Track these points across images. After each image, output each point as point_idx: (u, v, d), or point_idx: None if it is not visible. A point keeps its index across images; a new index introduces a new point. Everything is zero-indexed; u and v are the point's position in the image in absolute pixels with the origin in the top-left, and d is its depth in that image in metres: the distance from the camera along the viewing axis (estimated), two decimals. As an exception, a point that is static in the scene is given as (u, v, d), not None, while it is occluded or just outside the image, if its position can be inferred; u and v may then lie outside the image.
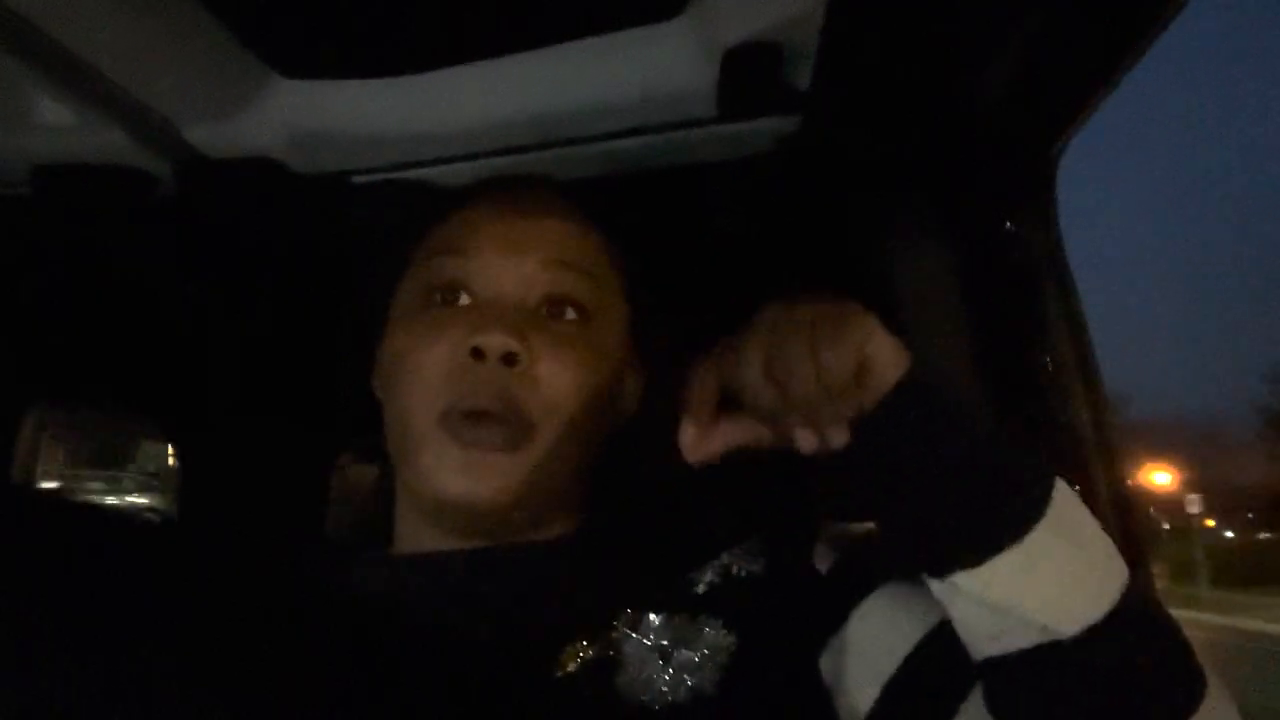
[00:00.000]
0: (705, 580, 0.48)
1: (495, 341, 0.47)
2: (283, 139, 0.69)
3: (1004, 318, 0.68)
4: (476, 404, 0.47)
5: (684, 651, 0.43)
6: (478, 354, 0.47)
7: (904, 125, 0.67)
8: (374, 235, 0.82)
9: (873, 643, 0.44)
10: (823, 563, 0.48)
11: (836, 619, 0.45)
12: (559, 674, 0.43)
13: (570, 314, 0.52)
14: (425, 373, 0.49)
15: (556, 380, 0.49)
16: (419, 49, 0.61)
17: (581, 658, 0.44)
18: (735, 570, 0.48)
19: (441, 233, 0.55)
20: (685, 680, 0.42)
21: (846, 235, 0.82)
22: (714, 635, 0.44)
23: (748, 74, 0.60)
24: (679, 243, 0.74)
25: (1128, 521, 0.63)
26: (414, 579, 0.50)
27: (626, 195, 0.70)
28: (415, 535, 0.52)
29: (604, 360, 0.52)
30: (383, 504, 0.57)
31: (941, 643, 0.42)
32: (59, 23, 0.54)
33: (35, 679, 0.40)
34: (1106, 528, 0.41)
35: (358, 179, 0.75)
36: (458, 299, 0.51)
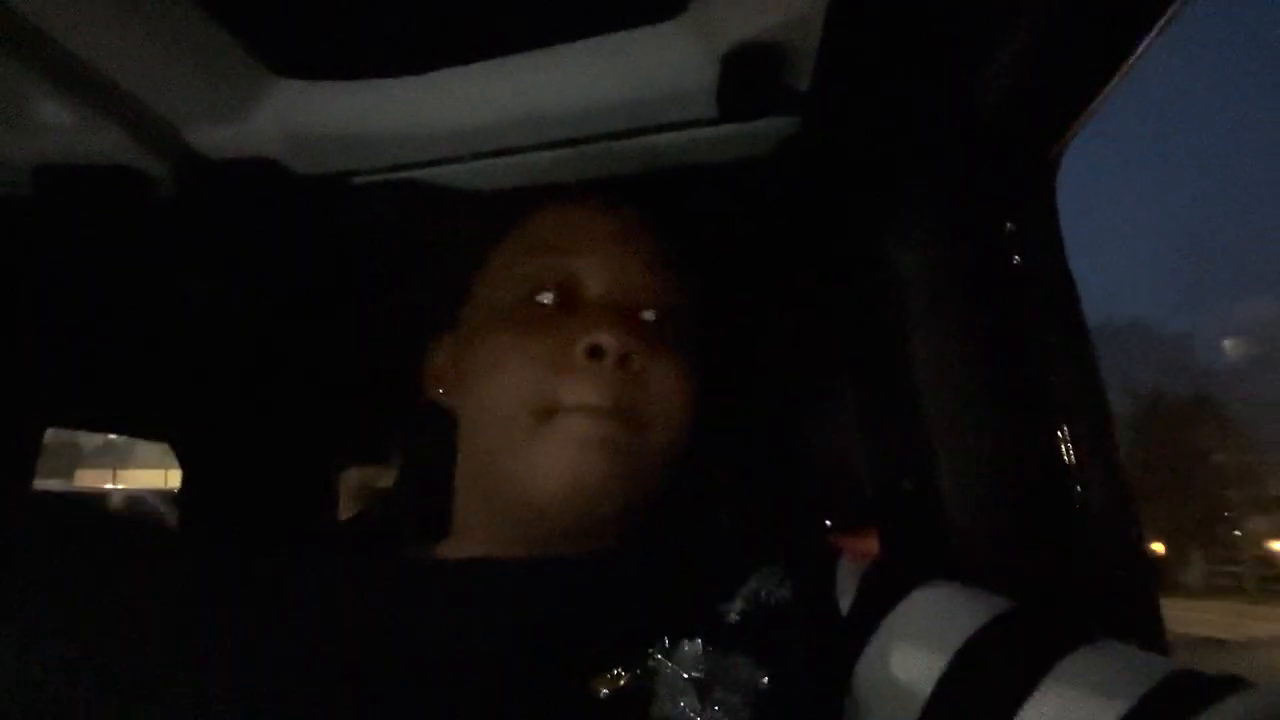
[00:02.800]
0: (736, 608, 0.47)
1: (615, 341, 0.46)
2: (282, 140, 0.69)
3: (1004, 319, 0.67)
4: (600, 401, 0.46)
5: (718, 686, 0.43)
6: (595, 353, 0.46)
7: (904, 126, 0.67)
8: (375, 236, 0.82)
9: (902, 664, 0.43)
10: (846, 587, 0.48)
11: (862, 646, 0.44)
12: (592, 699, 0.42)
13: (668, 322, 0.52)
14: (533, 368, 0.48)
15: (667, 385, 0.49)
16: (419, 49, 0.60)
17: (616, 685, 0.43)
18: (765, 597, 0.47)
19: (533, 232, 0.54)
20: (720, 717, 0.42)
21: (847, 236, 0.82)
22: (747, 670, 0.43)
23: (748, 75, 0.60)
24: (678, 244, 0.74)
25: (1129, 525, 0.63)
26: (452, 586, 0.49)
27: (626, 196, 0.70)
28: (475, 537, 0.51)
29: (692, 362, 0.53)
30: (411, 503, 0.56)
31: (984, 649, 0.41)
32: (58, 23, 0.54)
33: (36, 676, 0.40)
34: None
35: (358, 180, 0.75)
36: (565, 297, 0.51)
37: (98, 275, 0.89)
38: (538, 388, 0.47)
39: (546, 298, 0.51)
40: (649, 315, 0.51)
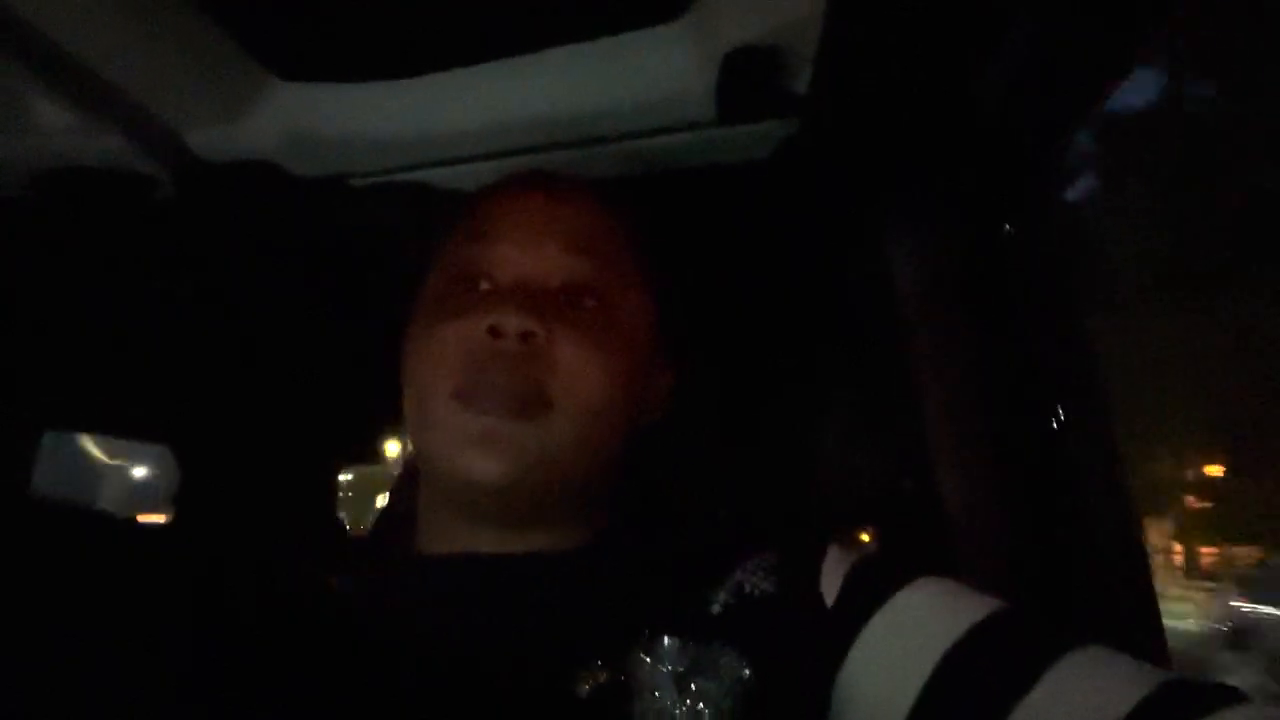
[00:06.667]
0: (720, 600, 0.47)
1: (512, 321, 0.46)
2: (281, 142, 0.69)
3: (1003, 319, 0.68)
4: (493, 378, 0.47)
5: (700, 680, 0.43)
6: (495, 333, 0.47)
7: (903, 128, 0.67)
8: (374, 237, 0.82)
9: (892, 660, 0.42)
10: (832, 579, 0.47)
11: (850, 641, 0.44)
12: (574, 696, 0.42)
13: (590, 301, 0.51)
14: (442, 352, 0.49)
15: (575, 363, 0.48)
16: (418, 52, 0.61)
17: (596, 681, 0.43)
18: (749, 589, 0.47)
19: (464, 225, 0.55)
20: (702, 712, 0.42)
21: (846, 237, 0.82)
22: (730, 664, 0.43)
23: (747, 77, 0.60)
24: (678, 245, 0.74)
25: (1129, 525, 0.63)
26: (433, 582, 0.49)
27: (625, 198, 0.70)
28: (439, 530, 0.51)
29: (627, 350, 0.52)
30: (404, 501, 0.57)
31: (976, 650, 0.40)
32: (59, 27, 0.54)
33: (26, 683, 0.40)
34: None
35: (356, 182, 0.75)
36: (478, 285, 0.51)
37: (98, 276, 0.89)
38: (447, 371, 0.48)
39: (464, 286, 0.51)
40: (565, 295, 0.51)
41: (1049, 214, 0.67)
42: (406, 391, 0.52)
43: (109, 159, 0.69)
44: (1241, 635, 5.83)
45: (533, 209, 0.53)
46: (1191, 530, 9.61)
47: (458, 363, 0.48)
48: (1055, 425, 0.65)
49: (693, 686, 0.42)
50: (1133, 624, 0.62)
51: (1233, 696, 0.35)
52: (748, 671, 0.43)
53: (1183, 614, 6.56)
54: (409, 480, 0.57)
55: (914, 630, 0.43)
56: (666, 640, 0.44)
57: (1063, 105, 0.62)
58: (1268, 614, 5.81)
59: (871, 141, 0.69)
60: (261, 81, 0.63)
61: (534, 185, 0.55)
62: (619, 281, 0.53)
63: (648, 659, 0.43)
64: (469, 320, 0.48)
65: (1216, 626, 6.14)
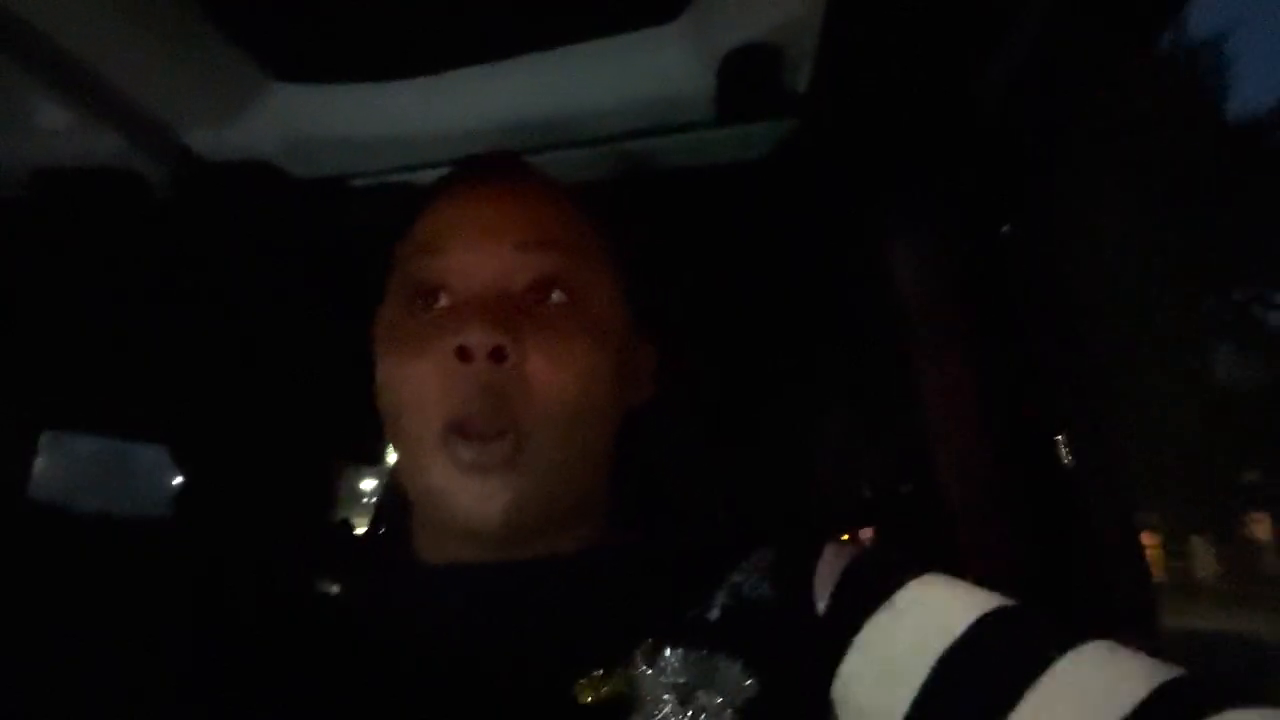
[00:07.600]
0: (718, 603, 0.47)
1: (477, 338, 0.45)
2: (279, 143, 0.69)
3: (1002, 319, 0.68)
4: (469, 411, 0.45)
5: (702, 693, 0.42)
6: (464, 355, 0.45)
7: (902, 127, 0.67)
8: (373, 237, 0.82)
9: (893, 658, 0.42)
10: (827, 578, 0.47)
11: (849, 641, 0.44)
12: (575, 705, 0.42)
13: (557, 295, 0.49)
14: (420, 388, 0.47)
15: (551, 375, 0.47)
16: (416, 52, 0.61)
17: (598, 692, 0.43)
18: (745, 591, 0.47)
19: (417, 231, 0.52)
20: None
21: (845, 237, 0.82)
22: (731, 675, 0.43)
23: (746, 77, 0.60)
24: (678, 246, 0.74)
25: (1129, 525, 0.63)
26: (433, 587, 0.49)
27: (624, 198, 0.70)
28: (435, 541, 0.51)
29: (602, 340, 0.50)
30: (396, 507, 0.56)
31: (978, 646, 0.40)
32: (58, 27, 0.54)
33: (29, 683, 0.40)
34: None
35: (354, 183, 0.75)
36: (438, 299, 0.49)
37: (96, 276, 0.89)
38: (429, 409, 0.46)
39: (423, 303, 0.49)
40: (530, 292, 0.49)
41: (1049, 214, 0.67)
42: (387, 424, 0.50)
43: (107, 159, 0.69)
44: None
45: (479, 208, 0.51)
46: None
47: (438, 399, 0.46)
48: (1055, 425, 0.65)
49: (696, 699, 0.42)
50: (1133, 624, 0.62)
51: (1238, 695, 0.35)
52: (750, 682, 0.43)
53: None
54: (400, 485, 0.57)
55: (914, 627, 0.43)
56: (668, 651, 0.44)
57: (1063, 105, 0.62)
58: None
59: (871, 141, 0.69)
60: (259, 82, 0.63)
61: (477, 180, 0.53)
62: (583, 266, 0.51)
63: (649, 670, 0.43)
64: (435, 347, 0.46)
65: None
